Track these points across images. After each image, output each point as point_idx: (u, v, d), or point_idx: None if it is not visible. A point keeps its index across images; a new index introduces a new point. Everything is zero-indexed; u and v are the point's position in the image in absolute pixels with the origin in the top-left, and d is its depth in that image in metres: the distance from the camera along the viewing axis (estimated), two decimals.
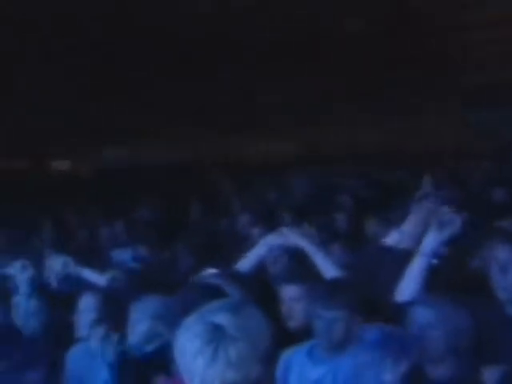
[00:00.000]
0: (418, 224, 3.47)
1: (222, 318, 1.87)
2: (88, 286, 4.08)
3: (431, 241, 3.20)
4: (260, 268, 3.72)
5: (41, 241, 7.29)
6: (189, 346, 1.87)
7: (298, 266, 3.71)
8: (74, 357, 3.78)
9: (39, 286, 4.60)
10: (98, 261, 5.47)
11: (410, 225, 3.54)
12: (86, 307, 3.94)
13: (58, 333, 4.11)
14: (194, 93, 10.32)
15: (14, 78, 9.38)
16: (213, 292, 2.52)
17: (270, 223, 5.16)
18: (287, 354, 3.12)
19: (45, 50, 8.81)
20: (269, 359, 1.91)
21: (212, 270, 3.13)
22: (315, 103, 10.92)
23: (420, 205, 3.54)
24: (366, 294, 3.10)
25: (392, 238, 3.60)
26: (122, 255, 5.99)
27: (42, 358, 4.02)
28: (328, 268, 3.48)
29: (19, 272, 4.37)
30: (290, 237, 3.68)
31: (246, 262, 3.70)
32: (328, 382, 3.02)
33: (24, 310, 4.29)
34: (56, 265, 4.56)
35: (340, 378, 2.99)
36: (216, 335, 1.85)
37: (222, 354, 1.83)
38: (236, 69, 9.59)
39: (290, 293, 3.41)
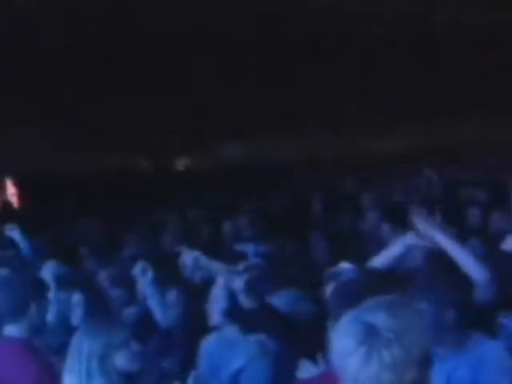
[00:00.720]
0: None
1: (378, 319, 1.85)
2: (219, 278, 4.19)
3: None
4: (396, 266, 3.60)
5: (169, 237, 7.51)
6: (343, 345, 1.87)
7: (436, 266, 3.58)
8: (207, 345, 3.91)
9: (173, 281, 4.76)
10: (223, 255, 5.60)
11: None
12: (218, 297, 4.08)
13: (193, 323, 4.26)
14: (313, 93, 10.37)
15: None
16: (361, 288, 2.52)
17: (399, 220, 5.10)
18: None
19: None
20: (425, 361, 1.87)
21: (347, 265, 3.13)
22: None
23: None
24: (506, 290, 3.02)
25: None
26: (246, 250, 6.10)
27: (178, 346, 4.21)
28: (473, 268, 3.25)
29: (140, 275, 4.43)
30: (431, 235, 3.41)
31: (381, 260, 3.57)
32: (460, 376, 2.97)
33: (158, 304, 4.43)
34: (188, 259, 4.71)
35: (471, 371, 2.95)
36: (370, 336, 1.83)
37: (376, 356, 1.82)
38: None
39: None
